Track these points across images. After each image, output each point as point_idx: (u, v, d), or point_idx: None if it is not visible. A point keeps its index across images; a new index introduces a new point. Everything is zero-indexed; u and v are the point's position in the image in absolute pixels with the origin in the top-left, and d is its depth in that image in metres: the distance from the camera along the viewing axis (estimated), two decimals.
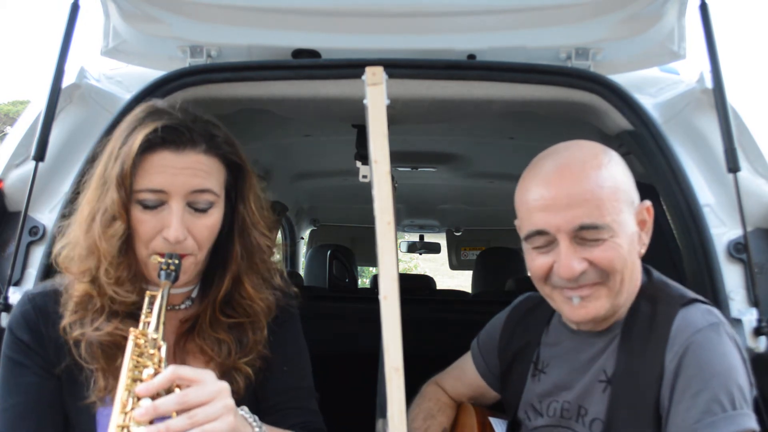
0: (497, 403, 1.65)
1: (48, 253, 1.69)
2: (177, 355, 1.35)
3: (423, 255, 8.22)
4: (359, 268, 6.45)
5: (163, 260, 1.21)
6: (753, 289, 1.63)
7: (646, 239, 1.33)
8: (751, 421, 1.18)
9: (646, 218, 1.33)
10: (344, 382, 2.34)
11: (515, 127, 2.73)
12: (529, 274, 1.40)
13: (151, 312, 1.19)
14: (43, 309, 1.31)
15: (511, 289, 3.58)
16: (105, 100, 1.90)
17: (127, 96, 1.88)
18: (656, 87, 2.00)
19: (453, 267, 6.36)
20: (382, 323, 0.96)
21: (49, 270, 1.67)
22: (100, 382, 1.25)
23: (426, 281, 4.99)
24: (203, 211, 1.26)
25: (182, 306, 1.38)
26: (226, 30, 1.90)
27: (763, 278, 1.67)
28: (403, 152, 3.44)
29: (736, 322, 1.60)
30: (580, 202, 1.23)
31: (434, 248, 6.74)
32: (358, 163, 2.09)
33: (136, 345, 1.13)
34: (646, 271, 1.39)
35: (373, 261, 5.99)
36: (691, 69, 2.01)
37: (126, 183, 1.21)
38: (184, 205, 1.24)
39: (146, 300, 1.22)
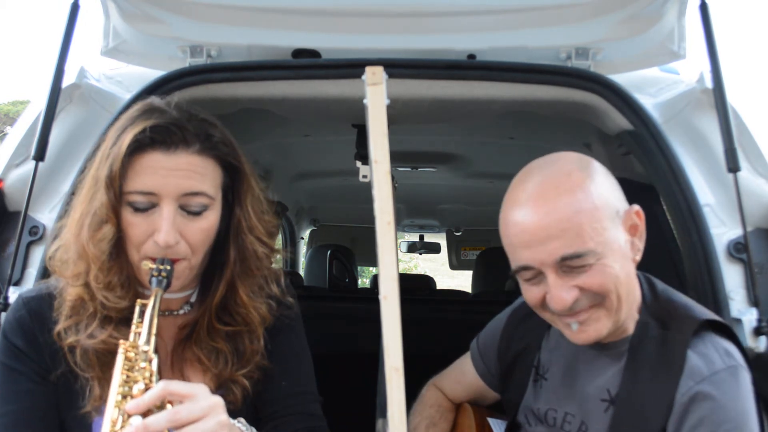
0: (496, 404, 1.64)
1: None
2: (174, 364, 1.32)
3: (423, 255, 8.22)
4: (359, 268, 6.45)
5: (154, 266, 1.16)
6: (753, 289, 1.63)
7: (640, 244, 1.29)
8: None
9: (637, 222, 1.28)
10: (344, 382, 2.34)
11: (515, 127, 2.73)
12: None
13: (142, 322, 1.14)
14: (38, 313, 1.27)
15: (511, 289, 3.58)
16: (105, 100, 1.90)
17: (127, 96, 1.88)
18: (656, 87, 2.00)
19: (453, 267, 6.36)
20: (382, 323, 0.96)
21: (48, 270, 1.67)
22: (95, 391, 1.22)
23: (426, 281, 5.00)
24: (197, 214, 1.21)
25: (180, 311, 1.33)
26: (226, 30, 1.90)
27: (763, 278, 1.66)
28: (403, 152, 3.45)
29: (736, 322, 1.60)
30: (559, 233, 1.18)
31: (434, 248, 6.75)
32: (358, 163, 2.09)
33: (127, 359, 1.09)
34: (649, 284, 1.35)
35: (373, 261, 6.00)
36: (691, 69, 2.02)
37: (115, 185, 1.16)
38: (175, 207, 1.18)
39: (137, 309, 1.17)
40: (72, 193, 1.38)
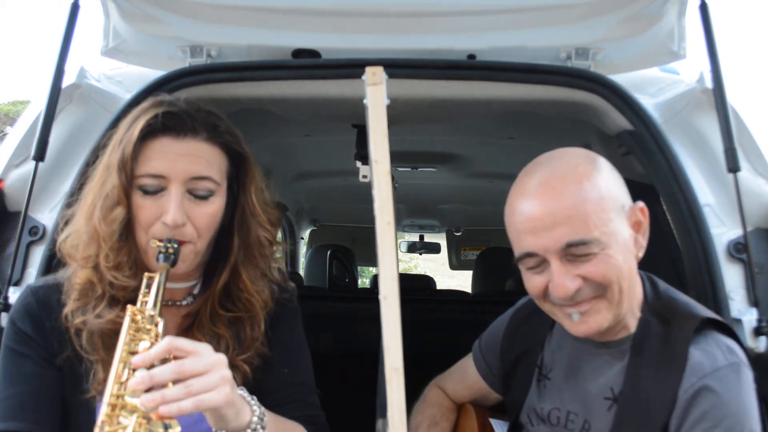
0: (498, 405, 1.64)
1: (48, 254, 1.69)
2: None
3: (423, 255, 8.22)
4: (359, 268, 6.45)
5: (161, 244, 1.22)
6: (753, 289, 1.63)
7: (643, 241, 1.30)
8: None
9: (641, 219, 1.29)
10: (344, 382, 2.34)
11: (515, 127, 2.73)
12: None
13: (149, 292, 1.19)
14: (45, 300, 1.31)
15: (511, 289, 3.58)
16: (105, 100, 1.90)
17: (127, 96, 1.88)
18: (656, 87, 2.00)
19: (453, 267, 6.36)
20: (382, 323, 0.95)
21: (48, 270, 1.67)
22: (99, 374, 1.25)
23: (426, 281, 5.00)
24: (203, 198, 1.27)
25: (184, 302, 1.38)
26: (226, 30, 1.90)
27: (763, 278, 1.66)
28: (403, 152, 3.45)
29: (736, 322, 1.60)
30: (564, 220, 1.20)
31: (434, 248, 6.75)
32: (358, 163, 2.09)
33: (133, 320, 1.12)
34: (651, 283, 1.36)
35: (373, 261, 6.00)
36: (691, 69, 2.02)
37: (127, 168, 1.23)
38: (183, 191, 1.25)
39: (144, 281, 1.22)
40: (81, 183, 1.40)
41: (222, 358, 1.08)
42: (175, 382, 1.01)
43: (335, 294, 3.94)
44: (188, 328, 1.36)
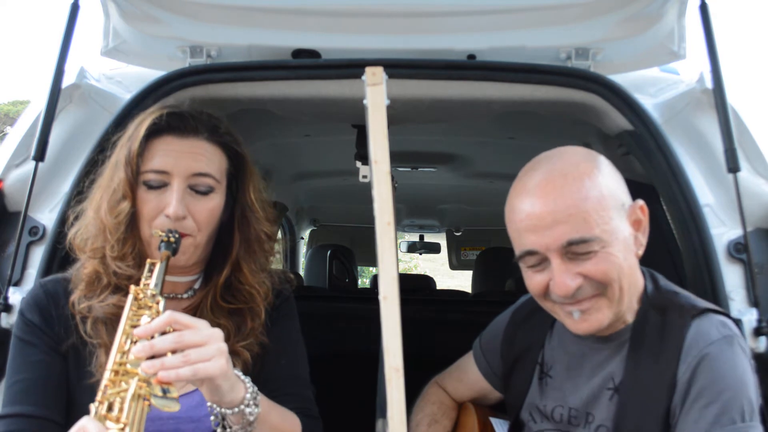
0: (499, 404, 1.64)
1: (48, 254, 1.69)
2: None
3: (423, 255, 8.22)
4: (359, 268, 6.45)
5: (163, 234, 1.30)
6: (753, 289, 1.63)
7: (643, 239, 1.31)
8: None
9: (641, 218, 1.30)
10: (344, 382, 2.34)
11: (515, 127, 2.73)
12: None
13: (151, 276, 1.26)
14: (53, 291, 1.40)
15: (511, 289, 3.58)
16: (105, 100, 1.90)
17: (127, 96, 1.88)
18: (656, 87, 2.00)
19: (453, 267, 6.36)
20: (382, 323, 0.96)
21: (48, 269, 1.67)
22: (101, 358, 1.30)
23: (426, 281, 4.99)
24: (204, 193, 1.36)
25: (185, 295, 1.44)
26: (226, 30, 1.90)
27: (763, 278, 1.66)
28: (403, 152, 3.44)
29: (736, 323, 1.60)
30: (565, 218, 1.21)
31: (434, 248, 6.75)
32: (358, 163, 2.09)
33: (136, 299, 1.20)
34: (652, 278, 1.37)
35: (373, 261, 6.00)
36: (691, 69, 2.01)
37: (133, 164, 1.32)
38: (185, 186, 1.33)
39: (147, 266, 1.30)
40: (80, 191, 1.46)
41: (218, 332, 1.14)
42: (174, 352, 1.07)
43: (335, 294, 3.94)
44: None
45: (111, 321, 1.32)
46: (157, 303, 1.19)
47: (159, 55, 1.97)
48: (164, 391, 1.04)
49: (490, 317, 1.66)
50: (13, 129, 1.95)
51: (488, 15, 1.84)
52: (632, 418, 1.26)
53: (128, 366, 1.07)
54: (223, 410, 1.17)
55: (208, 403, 1.18)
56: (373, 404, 1.55)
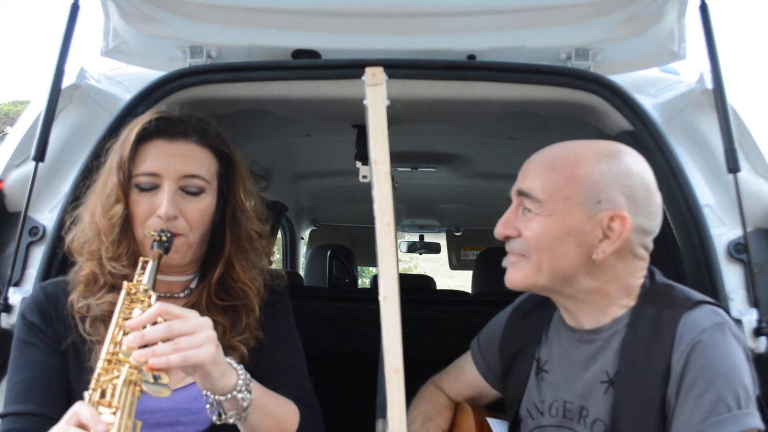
0: (495, 404, 1.65)
1: (48, 254, 1.69)
2: None
3: (423, 255, 8.22)
4: (359, 268, 6.45)
5: (156, 233, 1.34)
6: (753, 290, 1.63)
7: (607, 249, 1.29)
8: (756, 420, 1.19)
9: (614, 229, 1.28)
10: (344, 382, 2.34)
11: (515, 127, 2.73)
12: None
13: (144, 273, 1.30)
14: (53, 294, 1.44)
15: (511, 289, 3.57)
16: (105, 100, 1.90)
17: (127, 96, 1.88)
18: (656, 87, 2.00)
19: (453, 267, 6.36)
20: (382, 323, 0.96)
21: (48, 270, 1.67)
22: (99, 353, 1.29)
23: (426, 281, 4.99)
24: (194, 194, 1.39)
25: (181, 294, 1.47)
26: (226, 30, 1.90)
27: (763, 279, 1.67)
28: (403, 152, 3.44)
29: (736, 323, 1.60)
30: (531, 172, 1.33)
31: (434, 248, 6.74)
32: (358, 163, 2.09)
33: (128, 293, 1.24)
34: (650, 274, 1.38)
35: (373, 261, 5.99)
36: (691, 69, 2.01)
37: (124, 168, 1.36)
38: (176, 188, 1.37)
39: (140, 264, 1.34)
40: (77, 196, 1.48)
41: (207, 321, 1.17)
42: (165, 340, 1.10)
43: (335, 294, 3.94)
44: None
45: (108, 318, 1.33)
46: (149, 297, 1.23)
47: (159, 55, 1.97)
48: (155, 378, 1.08)
49: (490, 317, 1.66)
50: (13, 129, 1.95)
51: (488, 15, 1.84)
52: (629, 410, 1.27)
53: (120, 355, 1.11)
54: (216, 397, 1.20)
55: (203, 392, 1.21)
56: (373, 404, 1.55)
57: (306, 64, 1.88)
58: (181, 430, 1.38)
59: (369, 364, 1.61)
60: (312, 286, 4.21)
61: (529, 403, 1.48)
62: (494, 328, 1.62)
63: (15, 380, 1.37)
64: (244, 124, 2.47)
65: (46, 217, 1.78)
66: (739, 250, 1.66)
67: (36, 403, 1.34)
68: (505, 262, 1.38)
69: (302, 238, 5.81)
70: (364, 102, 1.03)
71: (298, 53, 1.93)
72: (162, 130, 1.40)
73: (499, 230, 1.37)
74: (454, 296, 4.20)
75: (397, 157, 3.45)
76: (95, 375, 1.10)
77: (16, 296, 1.68)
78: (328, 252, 4.41)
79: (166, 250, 1.33)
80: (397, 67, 1.76)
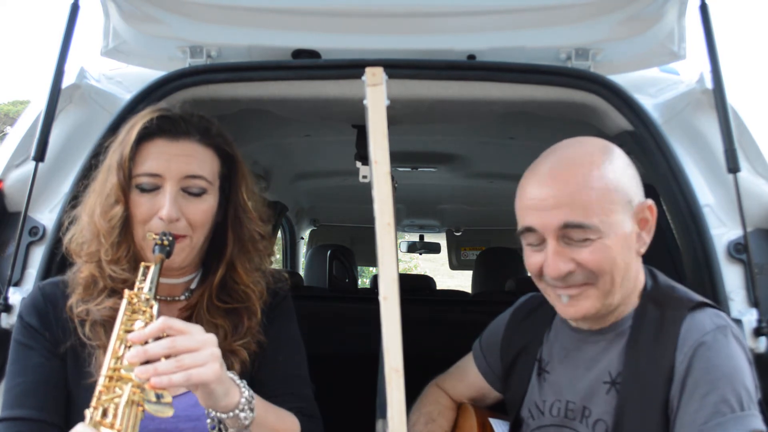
0: (497, 404, 1.64)
1: (48, 254, 1.69)
2: None
3: (423, 255, 8.22)
4: (359, 268, 6.45)
5: (157, 237, 1.30)
6: (753, 290, 1.63)
7: (648, 238, 1.32)
8: (758, 422, 1.19)
9: (648, 217, 1.32)
10: (344, 382, 2.34)
11: (515, 127, 2.73)
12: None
13: (145, 279, 1.27)
14: (51, 296, 1.40)
15: (511, 289, 3.58)
16: (105, 100, 1.90)
17: (127, 96, 1.87)
18: (656, 87, 2.00)
19: (453, 267, 6.36)
20: (382, 324, 0.96)
21: (48, 270, 1.67)
22: (100, 359, 1.29)
23: (426, 281, 4.99)
24: (196, 195, 1.36)
25: (182, 297, 1.45)
26: (226, 30, 1.90)
27: (763, 279, 1.66)
28: (403, 152, 3.44)
29: (736, 323, 1.60)
30: (567, 202, 1.24)
31: (434, 248, 6.74)
32: (358, 163, 2.09)
33: (130, 303, 1.20)
34: (651, 275, 1.38)
35: (373, 261, 5.98)
36: (691, 69, 2.01)
37: (125, 167, 1.32)
38: (178, 189, 1.34)
39: (141, 269, 1.30)
40: (83, 187, 1.45)
41: (212, 338, 1.14)
42: (168, 357, 1.07)
43: (335, 294, 3.94)
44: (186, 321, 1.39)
45: (108, 323, 1.31)
46: (151, 307, 1.20)
47: (159, 55, 1.97)
48: (158, 397, 1.05)
49: (490, 317, 1.66)
50: (13, 129, 1.94)
51: (488, 15, 1.84)
52: (633, 410, 1.27)
53: (122, 371, 1.08)
54: (218, 414, 1.18)
55: (206, 410, 1.19)
56: (373, 404, 1.55)
57: (306, 64, 1.88)
58: None
59: (369, 364, 1.61)
60: (312, 286, 4.21)
61: (530, 403, 1.48)
62: (495, 329, 1.62)
63: (12, 384, 1.34)
64: (244, 124, 2.47)
65: (46, 217, 1.78)
66: (739, 250, 1.66)
67: (34, 408, 1.31)
68: (564, 298, 1.30)
69: (302, 238, 5.81)
70: (364, 102, 1.03)
71: (298, 53, 1.93)
72: (164, 129, 1.36)
73: (562, 269, 1.26)
74: (454, 296, 4.20)
75: (397, 157, 3.45)
76: (96, 392, 1.07)
77: (16, 296, 1.68)
78: (328, 252, 4.40)
79: (168, 254, 1.29)
80: (397, 67, 1.76)
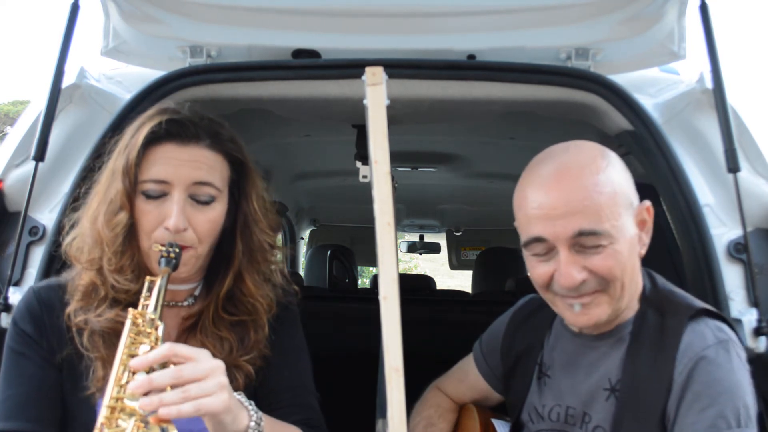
0: (499, 405, 1.64)
1: (48, 254, 1.69)
2: None
3: (423, 255, 8.22)
4: (359, 268, 6.45)
5: (164, 248, 1.24)
6: (753, 290, 1.63)
7: (647, 239, 1.32)
8: None
9: (646, 218, 1.32)
10: (344, 382, 2.34)
11: (515, 127, 2.73)
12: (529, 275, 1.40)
13: (150, 296, 1.21)
14: (47, 301, 1.34)
15: (511, 289, 3.58)
16: (105, 100, 1.90)
17: (127, 96, 1.87)
18: (656, 87, 2.00)
19: (453, 267, 6.36)
20: (382, 323, 0.96)
21: (48, 270, 1.67)
22: (99, 372, 1.26)
23: (426, 281, 4.99)
24: (205, 203, 1.29)
25: (185, 303, 1.40)
26: (226, 30, 1.90)
27: (763, 278, 1.66)
28: (403, 152, 3.44)
29: (736, 322, 1.60)
30: (579, 209, 1.21)
31: (434, 248, 6.74)
32: (358, 163, 2.09)
33: (134, 324, 1.14)
34: (649, 277, 1.38)
35: (373, 261, 5.99)
36: (691, 69, 2.01)
37: (130, 173, 1.26)
38: (185, 196, 1.27)
39: (146, 284, 1.24)
40: (85, 189, 1.41)
41: (220, 365, 1.09)
42: (174, 387, 1.02)
43: (335, 294, 3.94)
44: (190, 330, 1.37)
45: (108, 335, 1.27)
46: (156, 328, 1.14)
47: (159, 55, 1.97)
48: (163, 431, 1.01)
49: (490, 317, 1.66)
50: (13, 129, 1.95)
51: (488, 15, 1.84)
52: (631, 419, 1.26)
53: (126, 401, 1.03)
54: None
55: None
56: (373, 404, 1.55)
57: (306, 63, 1.88)
58: None
59: (369, 364, 1.61)
60: (312, 286, 4.21)
61: (530, 407, 1.47)
62: (496, 331, 1.61)
63: (6, 395, 1.28)
64: (244, 124, 2.47)
65: (46, 217, 1.77)
66: (739, 250, 1.66)
67: (29, 421, 1.26)
68: (576, 307, 1.27)
69: (302, 238, 5.81)
70: (364, 102, 1.03)
71: (298, 53, 1.93)
72: (172, 133, 1.29)
73: (577, 278, 1.23)
74: (454, 296, 4.20)
75: (397, 157, 3.45)
76: (98, 424, 1.02)
77: (16, 296, 1.67)
78: (328, 252, 4.41)
79: (175, 267, 1.23)
80: (397, 67, 1.76)
